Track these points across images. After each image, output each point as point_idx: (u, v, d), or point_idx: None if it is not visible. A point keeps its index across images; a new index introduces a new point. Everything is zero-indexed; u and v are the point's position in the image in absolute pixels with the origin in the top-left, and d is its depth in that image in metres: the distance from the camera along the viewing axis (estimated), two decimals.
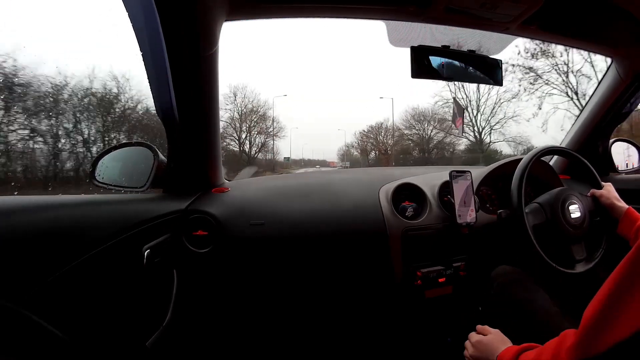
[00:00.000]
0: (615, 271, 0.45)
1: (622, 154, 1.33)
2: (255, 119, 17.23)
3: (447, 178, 1.00)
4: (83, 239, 0.66)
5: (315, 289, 1.02)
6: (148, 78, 0.76)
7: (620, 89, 1.13)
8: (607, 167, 1.28)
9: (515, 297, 0.84)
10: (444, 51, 0.94)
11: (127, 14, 0.67)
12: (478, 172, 1.13)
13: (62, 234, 0.64)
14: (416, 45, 0.92)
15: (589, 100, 1.26)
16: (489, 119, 15.25)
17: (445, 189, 1.05)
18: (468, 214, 0.98)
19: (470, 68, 0.98)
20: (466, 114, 15.11)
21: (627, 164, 1.35)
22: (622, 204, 0.88)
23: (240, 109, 16.89)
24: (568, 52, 11.16)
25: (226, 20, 0.75)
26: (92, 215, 0.71)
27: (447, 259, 1.01)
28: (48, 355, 0.61)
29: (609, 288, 0.45)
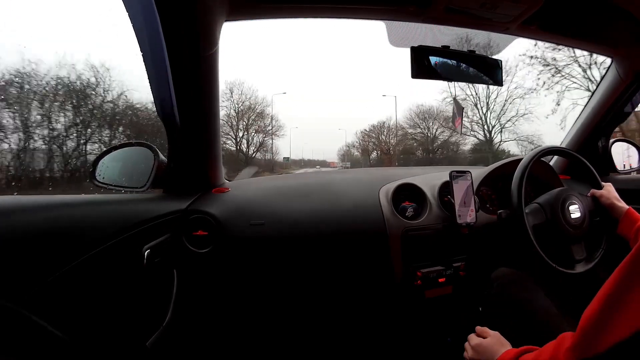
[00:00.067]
0: (615, 272, 0.45)
1: (622, 154, 1.33)
2: (253, 117, 16.69)
3: (447, 178, 1.00)
4: (83, 239, 0.66)
5: (315, 289, 1.02)
6: (148, 78, 0.76)
7: (620, 89, 1.14)
8: (607, 167, 1.28)
9: (515, 297, 0.84)
10: (444, 51, 0.94)
11: (127, 14, 0.67)
12: (478, 173, 1.13)
13: (62, 234, 0.64)
14: (416, 45, 0.92)
15: (589, 100, 1.26)
16: (499, 116, 14.68)
17: (446, 189, 1.05)
18: (468, 214, 0.98)
19: (470, 68, 0.98)
20: (475, 111, 14.80)
21: (627, 164, 1.35)
22: (622, 204, 0.88)
23: (237, 106, 16.38)
24: None
25: (226, 21, 0.75)
26: (92, 215, 0.71)
27: (447, 259, 1.01)
28: (48, 355, 0.61)
29: (608, 289, 0.45)
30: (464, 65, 0.98)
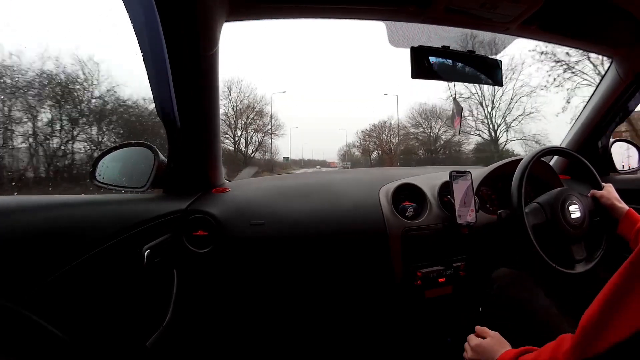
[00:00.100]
0: (615, 274, 0.45)
1: (622, 154, 1.33)
2: (252, 116, 16.25)
3: (447, 178, 1.00)
4: (83, 239, 0.66)
5: (315, 289, 1.02)
6: (148, 78, 0.76)
7: (620, 89, 1.13)
8: (607, 167, 1.28)
9: (515, 297, 0.84)
10: (443, 52, 0.94)
11: (127, 14, 0.67)
12: (478, 173, 1.13)
13: (62, 234, 0.64)
14: (416, 45, 0.92)
15: (589, 100, 1.26)
16: (505, 115, 14.23)
17: (445, 189, 1.05)
18: (468, 214, 0.98)
19: (470, 69, 0.99)
20: (480, 110, 14.48)
21: (627, 164, 1.35)
22: (623, 205, 0.88)
23: (235, 104, 15.93)
24: None
25: (226, 21, 0.75)
26: (92, 215, 0.71)
27: (447, 259, 1.01)
28: (48, 355, 0.61)
29: (608, 290, 0.45)
30: (463, 65, 0.98)
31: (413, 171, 1.23)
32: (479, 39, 1.01)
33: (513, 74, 13.39)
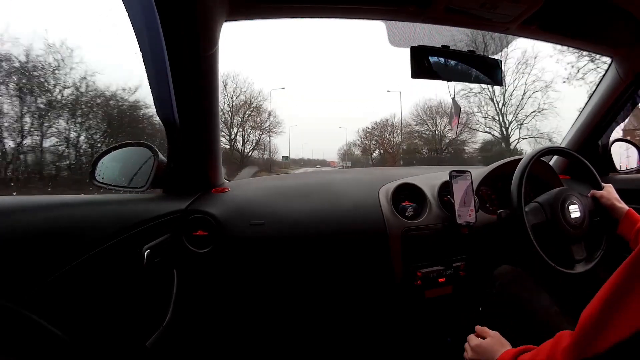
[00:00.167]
0: (615, 273, 0.45)
1: (622, 154, 1.33)
2: (249, 112, 15.32)
3: (447, 178, 1.00)
4: (83, 239, 0.66)
5: (315, 289, 1.02)
6: (148, 78, 0.76)
7: (620, 89, 1.14)
8: (607, 167, 1.28)
9: (515, 296, 0.84)
10: (443, 51, 0.94)
11: (127, 14, 0.67)
12: (478, 172, 1.13)
13: (62, 234, 0.64)
14: (416, 45, 0.92)
15: (589, 100, 1.26)
16: (517, 111, 13.43)
17: (445, 189, 1.05)
18: (468, 214, 0.98)
19: (470, 68, 0.99)
20: (491, 105, 13.89)
21: (627, 164, 1.35)
22: (623, 205, 0.88)
23: (230, 100, 14.97)
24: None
25: (226, 21, 0.75)
26: (92, 215, 0.71)
27: (447, 259, 1.01)
28: (48, 355, 0.61)
29: (608, 289, 0.45)
30: (463, 65, 0.98)
31: (413, 171, 1.23)
32: (479, 39, 1.01)
33: (526, 67, 12.93)
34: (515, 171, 0.94)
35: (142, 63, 0.74)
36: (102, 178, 0.85)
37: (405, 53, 0.92)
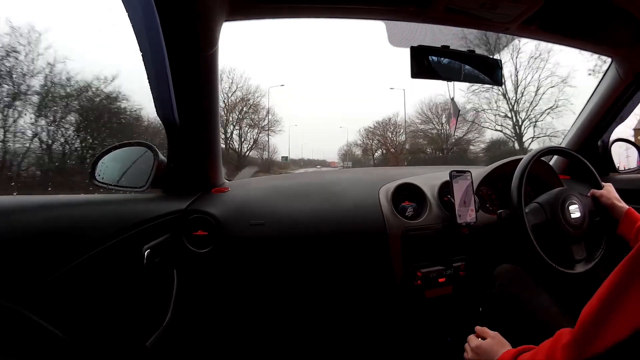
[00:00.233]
0: (614, 271, 0.45)
1: (622, 154, 1.33)
2: (246, 109, 14.54)
3: (447, 178, 1.00)
4: (83, 239, 0.66)
5: (315, 289, 1.02)
6: (148, 78, 0.77)
7: (620, 89, 1.13)
8: (607, 167, 1.28)
9: (515, 296, 0.84)
10: (443, 51, 0.94)
11: (127, 14, 0.67)
12: (478, 172, 1.13)
13: (62, 234, 0.64)
14: (416, 45, 0.92)
15: (589, 100, 1.26)
16: (530, 109, 12.72)
17: (445, 189, 1.05)
18: (468, 214, 0.98)
19: (470, 68, 0.99)
20: (502, 102, 13.28)
21: (627, 164, 1.35)
22: (623, 204, 0.88)
23: (226, 96, 14.20)
24: None
25: (226, 21, 0.75)
26: (92, 215, 0.71)
27: (447, 259, 1.01)
28: (48, 355, 0.61)
29: (607, 288, 0.45)
30: (463, 65, 0.98)
31: (413, 171, 1.23)
32: (479, 39, 1.01)
33: (541, 62, 12.42)
34: (515, 171, 0.94)
35: (142, 63, 0.74)
36: (102, 178, 0.85)
37: (407, 52, 0.92)
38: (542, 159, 1.06)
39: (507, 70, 12.95)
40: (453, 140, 14.56)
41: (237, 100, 14.67)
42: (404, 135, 16.28)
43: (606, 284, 0.46)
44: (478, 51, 0.96)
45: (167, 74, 0.73)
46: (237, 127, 14.71)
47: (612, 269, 0.46)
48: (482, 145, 14.18)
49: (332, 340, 1.11)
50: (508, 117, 13.35)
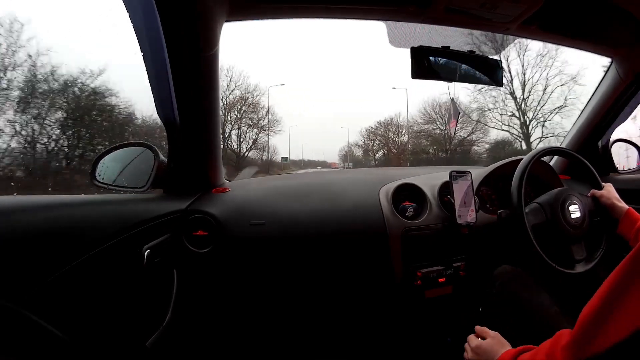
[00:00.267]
0: (614, 271, 0.45)
1: (622, 154, 1.33)
2: (244, 108, 14.07)
3: (447, 178, 1.00)
4: (83, 239, 0.66)
5: (315, 289, 1.02)
6: (148, 78, 0.77)
7: (620, 89, 1.14)
8: (607, 167, 1.28)
9: (515, 296, 0.84)
10: (444, 52, 0.95)
11: (127, 14, 0.68)
12: (478, 173, 1.13)
13: (62, 234, 0.64)
14: (416, 45, 0.92)
15: (589, 100, 1.26)
16: (537, 108, 12.23)
17: (446, 189, 1.05)
18: (468, 214, 0.98)
19: (471, 69, 0.99)
20: (510, 101, 12.85)
21: (627, 164, 1.35)
22: (623, 204, 0.88)
23: (224, 95, 13.75)
24: None
25: (226, 21, 0.75)
26: (92, 215, 0.71)
27: (447, 259, 1.01)
28: (48, 355, 0.61)
29: (607, 288, 0.45)
30: (464, 65, 0.98)
31: (413, 171, 1.23)
32: (479, 39, 1.01)
33: (549, 59, 11.96)
34: (515, 171, 0.94)
35: (143, 63, 0.74)
36: (102, 178, 0.85)
37: (409, 51, 0.92)
38: (542, 159, 1.06)
39: (514, 68, 12.59)
40: (456, 141, 14.25)
41: (236, 99, 14.35)
42: (406, 136, 15.98)
43: (606, 284, 0.46)
44: (483, 48, 0.97)
45: (167, 74, 0.73)
46: (235, 127, 14.38)
47: (612, 269, 0.46)
48: (487, 146, 13.77)
49: (332, 340, 1.11)
50: (515, 116, 12.95)
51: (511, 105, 13.01)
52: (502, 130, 13.21)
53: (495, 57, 1.01)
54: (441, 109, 14.21)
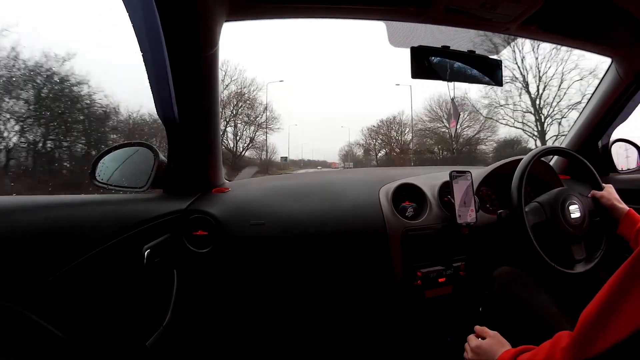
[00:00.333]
0: (615, 273, 0.45)
1: (622, 154, 1.33)
2: (241, 104, 13.27)
3: (447, 178, 1.00)
4: (83, 239, 0.66)
5: (315, 289, 1.02)
6: (148, 78, 0.77)
7: (620, 89, 1.14)
8: (607, 167, 1.28)
9: (515, 297, 0.84)
10: (444, 52, 0.95)
11: (127, 14, 0.68)
12: (478, 172, 1.13)
13: (62, 234, 0.64)
14: (416, 45, 0.92)
15: (589, 100, 1.26)
16: (553, 104, 11.68)
17: (446, 189, 1.05)
18: (468, 214, 0.98)
19: (471, 69, 0.99)
20: (524, 97, 12.32)
21: (627, 164, 1.35)
22: (623, 205, 0.88)
23: (220, 88, 13.74)
24: None
25: (226, 21, 0.75)
26: (92, 215, 0.71)
27: (447, 259, 1.01)
28: (48, 355, 0.61)
29: (608, 289, 0.45)
30: (464, 65, 0.98)
31: (414, 171, 1.23)
32: (479, 39, 1.01)
33: (565, 53, 11.54)
34: (515, 171, 0.94)
35: (143, 63, 0.74)
36: (102, 178, 0.85)
37: (409, 51, 0.92)
38: (542, 159, 1.06)
39: (528, 63, 12.23)
40: (463, 140, 13.66)
41: (232, 94, 13.52)
42: (410, 135, 15.41)
43: (606, 286, 0.46)
44: (484, 48, 0.97)
45: (167, 74, 0.73)
46: (231, 124, 13.45)
47: (612, 269, 0.46)
48: (495, 145, 13.20)
49: (332, 340, 1.11)
50: (530, 112, 12.35)
51: (525, 100, 12.40)
52: (515, 127, 12.66)
53: (496, 56, 1.01)
54: (447, 106, 13.67)
